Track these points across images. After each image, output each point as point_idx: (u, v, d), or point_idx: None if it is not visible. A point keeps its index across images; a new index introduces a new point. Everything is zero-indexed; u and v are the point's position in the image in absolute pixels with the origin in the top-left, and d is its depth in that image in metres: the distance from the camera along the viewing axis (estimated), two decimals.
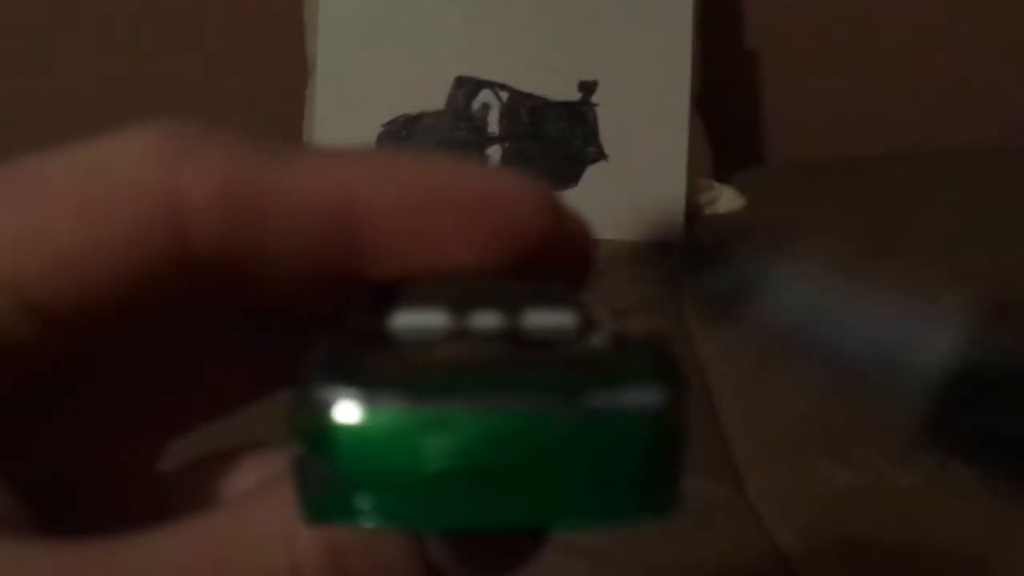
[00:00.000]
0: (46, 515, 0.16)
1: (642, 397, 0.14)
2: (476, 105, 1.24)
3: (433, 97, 1.24)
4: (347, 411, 0.14)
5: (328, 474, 0.14)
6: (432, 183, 0.17)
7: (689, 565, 0.70)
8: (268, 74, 1.40)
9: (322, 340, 0.15)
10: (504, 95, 1.24)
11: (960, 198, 1.17)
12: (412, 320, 0.16)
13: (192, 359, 0.20)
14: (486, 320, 0.16)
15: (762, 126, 1.50)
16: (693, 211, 1.24)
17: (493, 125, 1.25)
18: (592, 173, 1.23)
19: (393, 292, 0.17)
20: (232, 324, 0.20)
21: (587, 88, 1.24)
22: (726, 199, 1.27)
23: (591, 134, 1.23)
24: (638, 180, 1.21)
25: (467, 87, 1.24)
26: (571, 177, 1.23)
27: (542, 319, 0.16)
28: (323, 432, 0.14)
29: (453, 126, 1.24)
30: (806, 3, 1.45)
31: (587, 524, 0.14)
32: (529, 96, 1.24)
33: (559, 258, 0.18)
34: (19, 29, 1.44)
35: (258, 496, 0.16)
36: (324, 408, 0.14)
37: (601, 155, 1.23)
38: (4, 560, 0.14)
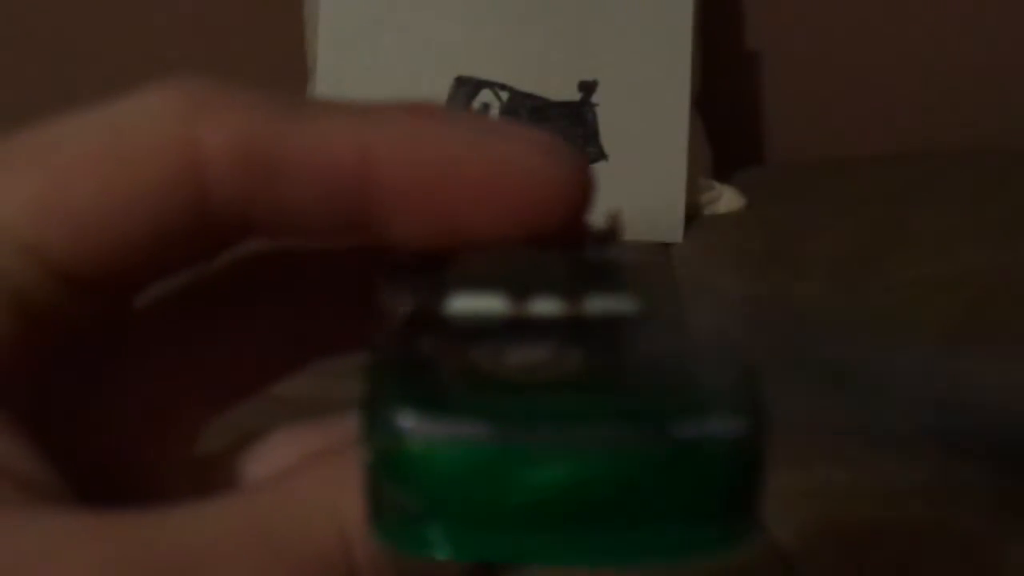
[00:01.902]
0: (85, 494, 0.16)
1: (730, 427, 0.14)
2: (476, 105, 1.24)
3: (433, 97, 1.24)
4: (426, 440, 0.13)
5: (403, 501, 0.14)
6: (451, 150, 0.17)
7: (688, 565, 0.70)
8: (268, 74, 1.40)
9: (383, 330, 0.15)
10: (504, 95, 1.24)
11: (960, 198, 1.17)
12: (469, 304, 0.15)
13: (223, 337, 0.20)
14: (546, 306, 0.15)
15: (762, 126, 1.50)
16: (693, 211, 1.24)
17: None
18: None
19: (433, 259, 0.16)
20: (261, 299, 0.20)
21: (587, 88, 1.24)
22: (726, 199, 1.27)
23: (591, 134, 1.23)
24: (638, 180, 1.21)
25: (467, 87, 1.24)
26: None
27: (603, 304, 0.15)
28: (399, 458, 0.13)
29: None
30: (806, 3, 1.45)
31: (670, 559, 0.14)
32: (529, 96, 1.24)
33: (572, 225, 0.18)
34: (18, 29, 1.44)
35: (303, 469, 0.15)
36: (401, 434, 0.13)
37: (601, 155, 1.23)
38: (48, 531, 0.14)
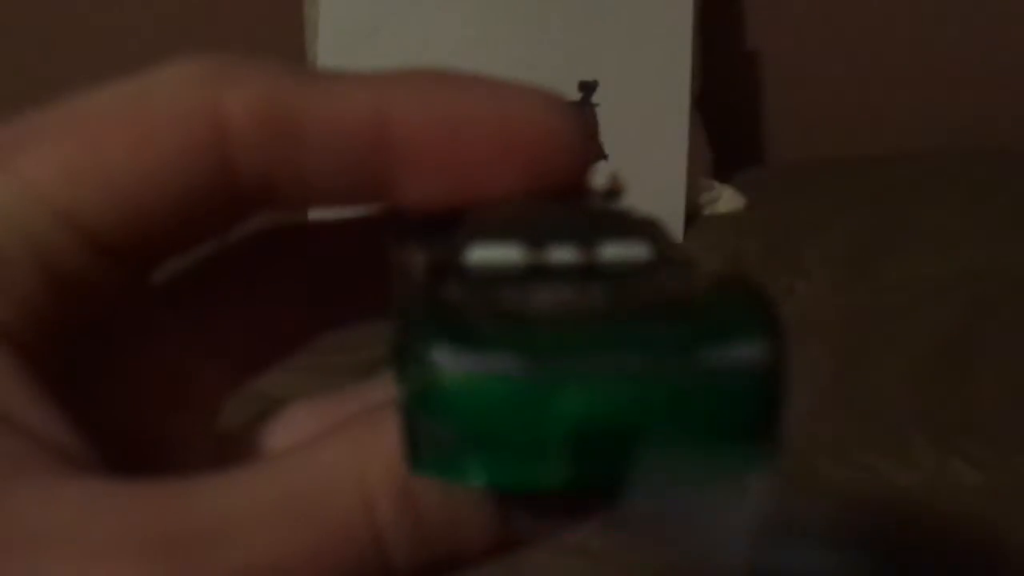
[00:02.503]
0: (110, 467, 0.16)
1: (754, 350, 0.14)
2: None
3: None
4: (463, 374, 0.14)
5: (438, 432, 0.14)
6: (462, 106, 0.17)
7: (688, 565, 0.70)
8: None
9: (405, 278, 0.15)
10: None
11: (960, 198, 1.17)
12: (487, 254, 0.16)
13: (242, 309, 0.20)
14: (563, 254, 0.16)
15: (762, 126, 1.50)
16: (693, 211, 1.24)
17: None
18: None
19: (441, 221, 0.17)
20: (278, 271, 0.20)
21: (587, 88, 1.24)
22: (726, 199, 1.27)
23: (591, 134, 1.23)
24: (638, 180, 1.21)
25: None
26: None
27: (618, 251, 0.16)
28: (436, 393, 0.14)
29: None
30: (806, 3, 1.45)
31: (700, 483, 0.14)
32: None
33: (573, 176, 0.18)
34: (17, 29, 1.44)
35: (328, 437, 0.16)
36: (438, 369, 0.14)
37: (601, 155, 1.23)
38: (83, 499, 0.14)
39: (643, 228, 0.17)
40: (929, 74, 1.45)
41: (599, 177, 0.18)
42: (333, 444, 0.15)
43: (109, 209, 0.16)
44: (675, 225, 1.21)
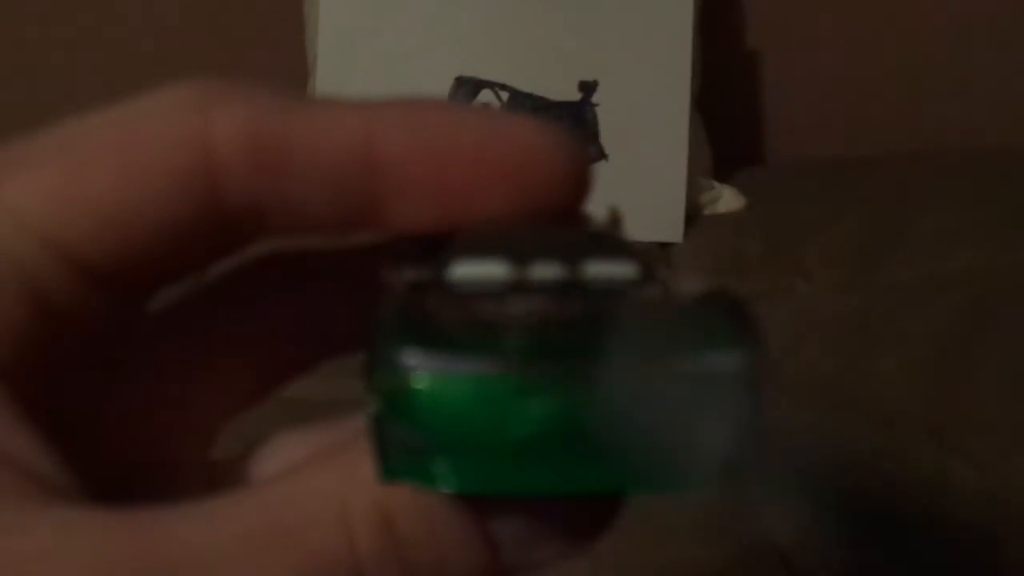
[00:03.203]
0: (100, 496, 0.16)
1: (727, 360, 0.14)
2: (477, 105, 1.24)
3: (434, 96, 1.24)
4: (430, 376, 0.14)
5: (408, 437, 0.14)
6: (454, 133, 0.17)
7: (689, 565, 0.70)
8: (268, 74, 1.40)
9: (388, 294, 0.15)
10: (504, 95, 1.24)
11: (960, 198, 1.17)
12: (471, 271, 0.15)
13: (235, 339, 0.20)
14: (546, 271, 0.15)
15: (762, 126, 1.50)
16: (693, 211, 1.24)
17: None
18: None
19: (436, 246, 0.17)
20: (272, 300, 0.20)
21: (587, 88, 1.24)
22: (726, 199, 1.27)
23: (591, 134, 1.23)
24: (638, 180, 1.21)
25: (467, 87, 1.24)
26: None
27: (603, 269, 0.16)
28: (405, 396, 0.14)
29: None
30: (806, 3, 1.45)
31: (668, 490, 0.14)
32: (529, 96, 1.24)
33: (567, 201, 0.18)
34: (16, 28, 1.44)
35: (310, 465, 0.16)
36: (406, 371, 0.14)
37: (601, 155, 1.23)
38: (58, 527, 0.14)
39: (632, 249, 0.16)
40: (929, 74, 1.45)
41: (599, 213, 0.18)
42: (315, 473, 0.15)
43: (97, 237, 0.16)
44: (675, 225, 1.21)
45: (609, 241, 0.17)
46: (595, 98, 1.24)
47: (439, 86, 1.24)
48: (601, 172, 1.23)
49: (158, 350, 0.19)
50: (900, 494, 0.75)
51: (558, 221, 0.17)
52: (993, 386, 0.85)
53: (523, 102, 1.24)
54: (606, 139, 1.23)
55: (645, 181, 1.22)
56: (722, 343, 0.14)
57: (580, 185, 0.18)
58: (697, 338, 0.14)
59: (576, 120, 1.24)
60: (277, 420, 0.20)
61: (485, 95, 1.24)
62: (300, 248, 0.20)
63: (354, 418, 0.17)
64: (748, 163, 1.40)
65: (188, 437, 0.20)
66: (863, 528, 0.72)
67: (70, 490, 0.15)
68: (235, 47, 1.44)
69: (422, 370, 0.14)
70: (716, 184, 1.27)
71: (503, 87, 1.24)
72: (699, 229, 1.21)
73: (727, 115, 1.39)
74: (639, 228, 1.03)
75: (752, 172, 1.36)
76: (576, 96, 1.24)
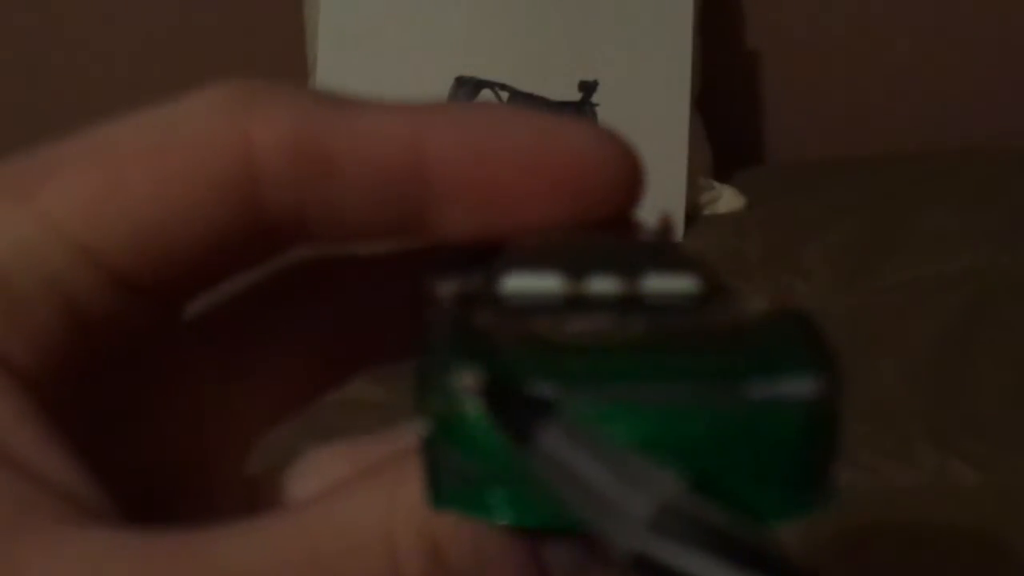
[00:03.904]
0: (132, 515, 0.15)
1: (803, 383, 0.13)
2: None
3: (433, 97, 1.24)
4: (489, 402, 0.13)
5: (461, 464, 0.13)
6: (506, 136, 0.16)
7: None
8: (268, 74, 1.40)
9: (436, 307, 0.14)
10: (504, 95, 1.24)
11: (960, 198, 1.17)
12: (524, 284, 0.15)
13: (272, 348, 0.19)
14: (604, 285, 0.15)
15: (762, 126, 1.50)
16: (693, 211, 1.24)
17: None
18: None
19: (480, 254, 0.16)
20: (309, 308, 0.19)
21: (587, 88, 1.24)
22: (726, 199, 1.27)
23: None
24: None
25: (467, 87, 1.24)
26: None
27: (662, 283, 0.15)
28: (458, 421, 0.13)
29: None
30: (806, 3, 1.45)
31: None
32: (529, 96, 1.24)
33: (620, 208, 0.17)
34: (16, 28, 1.44)
35: (352, 487, 0.15)
36: (460, 395, 0.13)
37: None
38: (94, 552, 0.14)
39: (690, 261, 0.15)
40: (929, 74, 1.44)
41: (650, 219, 0.18)
42: (358, 494, 0.15)
43: (133, 245, 0.16)
44: (675, 225, 1.21)
45: (666, 252, 0.16)
46: (595, 98, 1.24)
47: (439, 86, 1.24)
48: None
49: (192, 358, 0.19)
50: (900, 494, 0.75)
51: (610, 229, 0.17)
52: (993, 386, 0.85)
53: (523, 102, 1.24)
54: None
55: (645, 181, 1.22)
56: (799, 365, 0.13)
57: (634, 191, 0.17)
58: (773, 360, 0.13)
59: None
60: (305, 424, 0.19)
61: (485, 95, 1.24)
62: (338, 254, 0.19)
63: (397, 432, 0.16)
64: (748, 163, 1.40)
65: (223, 449, 0.19)
66: (863, 528, 0.72)
67: (104, 510, 0.15)
68: (235, 47, 1.44)
69: (479, 394, 0.13)
70: (716, 184, 1.28)
71: (503, 87, 1.24)
72: (699, 229, 1.21)
73: (727, 115, 1.39)
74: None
75: (752, 172, 1.36)
76: (576, 96, 1.24)
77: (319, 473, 0.17)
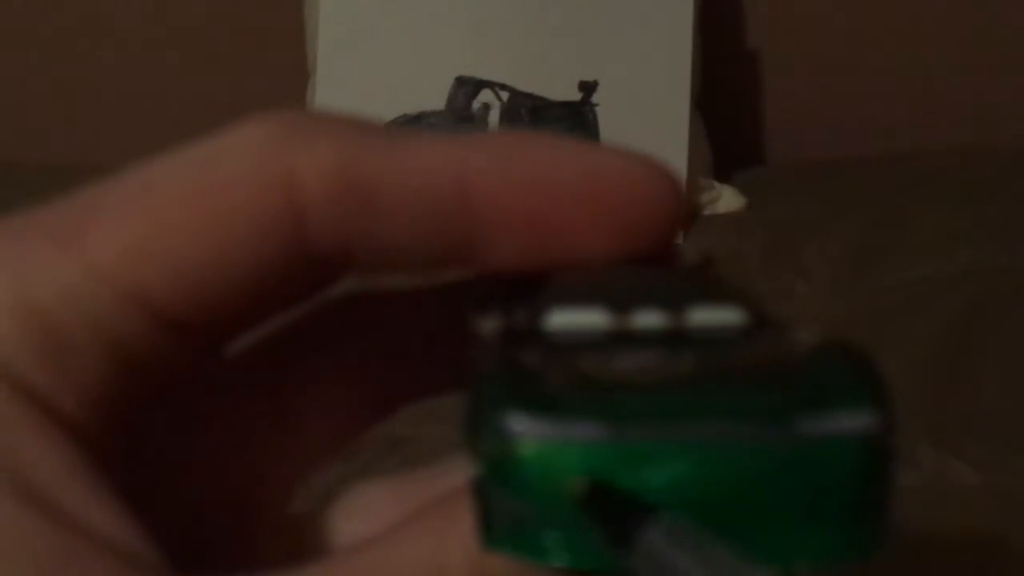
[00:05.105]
0: (183, 565, 0.15)
1: (859, 418, 0.13)
2: (476, 105, 1.24)
3: (433, 97, 1.24)
4: (539, 442, 0.13)
5: (514, 506, 0.13)
6: (553, 166, 0.16)
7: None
8: (268, 74, 1.40)
9: (482, 345, 0.14)
10: (504, 95, 1.24)
11: (960, 198, 1.17)
12: (569, 320, 0.14)
13: (314, 385, 0.19)
14: (649, 319, 0.14)
15: (762, 126, 1.50)
16: (693, 211, 1.24)
17: (493, 125, 1.25)
18: None
19: (522, 285, 0.16)
20: (351, 343, 0.19)
21: (587, 88, 1.24)
22: (726, 199, 1.27)
23: (591, 134, 1.23)
24: None
25: (467, 87, 1.24)
26: None
27: (708, 316, 0.15)
28: (510, 463, 0.13)
29: (454, 126, 1.24)
30: (806, 3, 1.45)
31: (797, 566, 0.13)
32: (529, 96, 1.24)
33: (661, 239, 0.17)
34: (15, 28, 1.44)
35: (404, 528, 0.15)
36: (512, 437, 0.13)
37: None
38: None
39: (735, 292, 0.15)
40: (929, 74, 1.44)
41: (690, 254, 0.18)
42: (410, 538, 0.14)
43: (179, 287, 0.16)
44: None
45: (709, 283, 0.16)
46: (595, 98, 1.24)
47: (439, 86, 1.24)
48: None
49: (237, 399, 0.18)
50: (900, 494, 0.75)
51: (650, 259, 0.16)
52: (993, 386, 0.85)
53: (523, 102, 1.24)
54: (606, 139, 1.23)
55: None
56: (854, 400, 0.13)
57: (677, 221, 0.17)
58: (826, 396, 0.13)
59: (576, 120, 1.24)
60: None
61: (485, 95, 1.24)
62: (378, 288, 0.19)
63: (440, 470, 0.16)
64: (748, 163, 1.40)
65: (270, 490, 0.19)
66: None
67: (157, 565, 0.15)
68: (235, 48, 1.44)
69: (529, 436, 0.13)
70: (716, 184, 1.28)
71: (503, 87, 1.24)
72: (699, 229, 1.21)
73: (727, 115, 1.39)
74: None
75: (752, 172, 1.36)
76: (576, 96, 1.24)
77: (365, 513, 0.17)
